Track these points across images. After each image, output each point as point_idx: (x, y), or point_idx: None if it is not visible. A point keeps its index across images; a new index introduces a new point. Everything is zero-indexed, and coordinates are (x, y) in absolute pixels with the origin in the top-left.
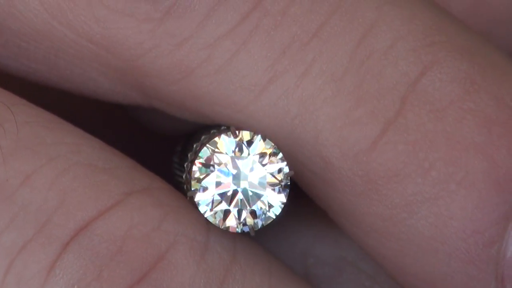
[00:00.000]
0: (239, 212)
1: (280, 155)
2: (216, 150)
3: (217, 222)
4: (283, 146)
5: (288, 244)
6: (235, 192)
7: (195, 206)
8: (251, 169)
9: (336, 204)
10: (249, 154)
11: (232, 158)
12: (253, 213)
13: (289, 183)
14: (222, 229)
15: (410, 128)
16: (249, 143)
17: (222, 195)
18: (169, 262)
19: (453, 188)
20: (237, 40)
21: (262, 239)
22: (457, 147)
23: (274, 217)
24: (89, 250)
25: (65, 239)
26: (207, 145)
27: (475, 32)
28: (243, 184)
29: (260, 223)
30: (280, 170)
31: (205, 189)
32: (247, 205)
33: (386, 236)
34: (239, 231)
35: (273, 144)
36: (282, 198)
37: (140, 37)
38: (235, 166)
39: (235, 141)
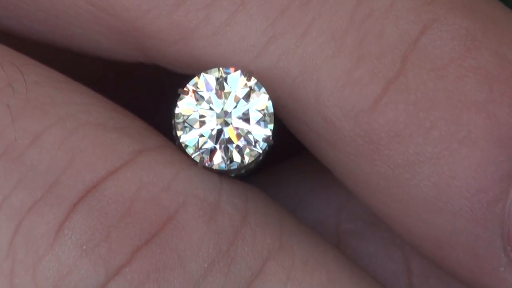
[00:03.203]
0: (226, 150)
1: (263, 89)
2: (197, 89)
3: (204, 161)
4: (285, 106)
5: (323, 198)
6: (219, 131)
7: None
8: (234, 106)
9: (340, 164)
10: (231, 91)
11: (214, 95)
12: (240, 149)
13: (273, 117)
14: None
15: (411, 88)
16: (231, 79)
17: (207, 134)
18: (178, 223)
19: (455, 147)
20: (235, 0)
21: (297, 191)
22: (459, 106)
23: (261, 151)
24: (98, 211)
25: (73, 199)
26: (187, 85)
27: None
28: (227, 121)
29: (247, 159)
30: (263, 104)
31: (189, 129)
32: (233, 142)
33: (390, 197)
34: (226, 168)
35: (255, 80)
36: (268, 132)
37: None
38: (218, 103)
39: (216, 78)
